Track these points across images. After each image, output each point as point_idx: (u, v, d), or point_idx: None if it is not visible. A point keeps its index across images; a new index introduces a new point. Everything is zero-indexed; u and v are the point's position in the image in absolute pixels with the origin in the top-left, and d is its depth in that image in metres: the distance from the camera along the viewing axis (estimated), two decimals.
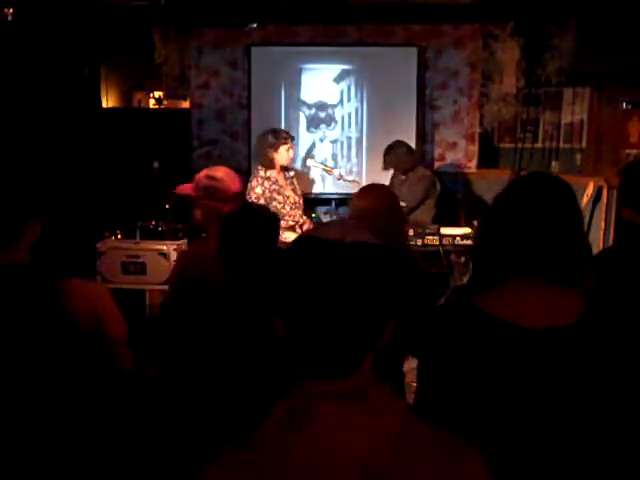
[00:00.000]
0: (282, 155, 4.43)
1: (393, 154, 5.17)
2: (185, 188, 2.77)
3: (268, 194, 4.38)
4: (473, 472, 1.00)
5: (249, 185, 4.44)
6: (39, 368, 1.79)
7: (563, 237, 1.34)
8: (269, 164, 4.44)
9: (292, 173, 4.64)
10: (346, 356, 1.00)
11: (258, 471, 0.98)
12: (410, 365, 2.75)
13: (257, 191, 4.37)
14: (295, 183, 4.62)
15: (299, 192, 4.62)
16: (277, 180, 4.45)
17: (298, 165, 6.02)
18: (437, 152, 6.47)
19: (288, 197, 4.46)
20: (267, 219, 2.29)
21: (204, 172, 2.72)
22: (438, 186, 5.32)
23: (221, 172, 2.70)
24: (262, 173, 4.43)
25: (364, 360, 1.02)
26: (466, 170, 6.42)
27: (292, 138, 4.57)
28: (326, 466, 0.96)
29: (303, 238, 1.05)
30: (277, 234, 2.30)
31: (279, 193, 4.42)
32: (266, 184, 4.40)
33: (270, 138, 4.46)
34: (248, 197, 4.40)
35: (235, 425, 1.70)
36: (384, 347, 1.05)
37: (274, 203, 4.34)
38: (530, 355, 1.30)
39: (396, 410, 1.02)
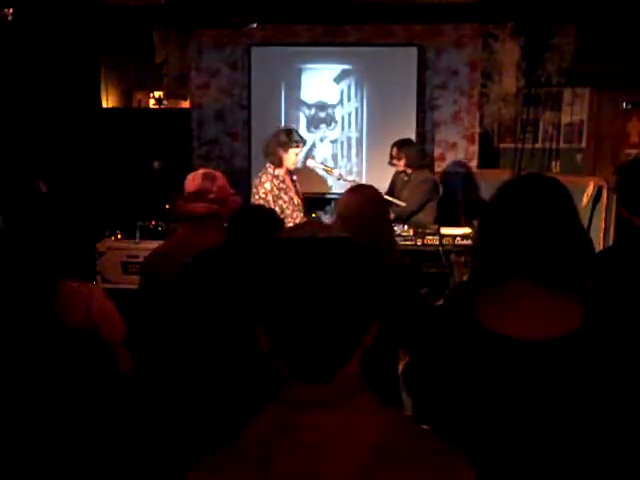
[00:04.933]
0: (290, 157, 4.44)
1: (409, 150, 5.15)
2: None
3: (276, 191, 4.39)
4: (459, 475, 0.98)
5: (258, 180, 4.45)
6: (33, 370, 1.78)
7: (555, 237, 1.33)
8: (277, 163, 4.44)
9: (295, 177, 4.65)
10: (329, 354, 0.98)
11: (241, 476, 0.97)
12: None
13: (266, 186, 4.38)
14: (298, 186, 4.64)
15: (301, 195, 4.64)
16: (284, 180, 4.46)
17: (299, 165, 6.02)
18: (437, 152, 6.46)
19: (292, 198, 4.48)
20: (273, 220, 2.29)
21: None
22: (440, 189, 5.30)
23: (194, 172, 2.73)
24: (271, 171, 4.44)
25: (349, 360, 1.00)
26: (466, 170, 6.41)
27: (304, 142, 4.58)
28: (310, 474, 0.95)
29: (274, 239, 1.04)
30: None
31: (285, 193, 4.44)
32: (275, 182, 4.42)
33: (282, 137, 4.46)
34: (255, 191, 4.41)
35: (219, 427, 1.70)
36: (377, 349, 1.03)
37: (280, 202, 4.36)
38: (524, 368, 1.28)
39: (382, 417, 1.00)
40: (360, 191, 2.62)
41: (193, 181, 2.66)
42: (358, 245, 1.03)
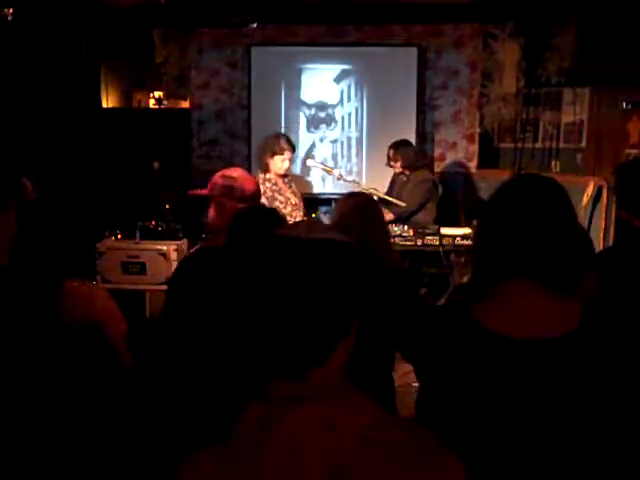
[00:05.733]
0: (276, 164, 4.45)
1: (405, 151, 5.15)
2: (200, 191, 2.84)
3: (270, 193, 4.41)
4: (443, 472, 0.98)
5: None
6: (34, 372, 1.79)
7: (553, 237, 1.33)
8: (264, 168, 4.47)
9: (288, 178, 4.65)
10: (306, 348, 1.00)
11: (233, 469, 0.99)
12: (408, 367, 2.75)
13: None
14: (294, 186, 4.64)
15: (299, 195, 4.64)
16: (277, 182, 4.48)
17: (298, 165, 6.02)
18: (437, 152, 6.46)
19: (288, 199, 4.49)
20: (275, 218, 2.31)
21: (220, 172, 2.78)
22: (440, 189, 5.31)
23: (237, 172, 2.77)
24: (262, 175, 4.46)
25: (324, 360, 1.01)
26: (466, 170, 6.41)
27: (292, 150, 4.54)
28: (296, 466, 0.97)
29: (266, 237, 1.07)
30: None
31: (280, 194, 4.45)
32: (267, 184, 4.43)
33: (269, 143, 4.47)
34: None
35: (211, 421, 1.71)
36: (371, 352, 1.04)
37: (276, 203, 4.37)
38: (524, 368, 1.28)
39: (365, 410, 1.01)
40: (353, 199, 2.64)
41: (248, 182, 2.71)
42: (350, 250, 1.04)
